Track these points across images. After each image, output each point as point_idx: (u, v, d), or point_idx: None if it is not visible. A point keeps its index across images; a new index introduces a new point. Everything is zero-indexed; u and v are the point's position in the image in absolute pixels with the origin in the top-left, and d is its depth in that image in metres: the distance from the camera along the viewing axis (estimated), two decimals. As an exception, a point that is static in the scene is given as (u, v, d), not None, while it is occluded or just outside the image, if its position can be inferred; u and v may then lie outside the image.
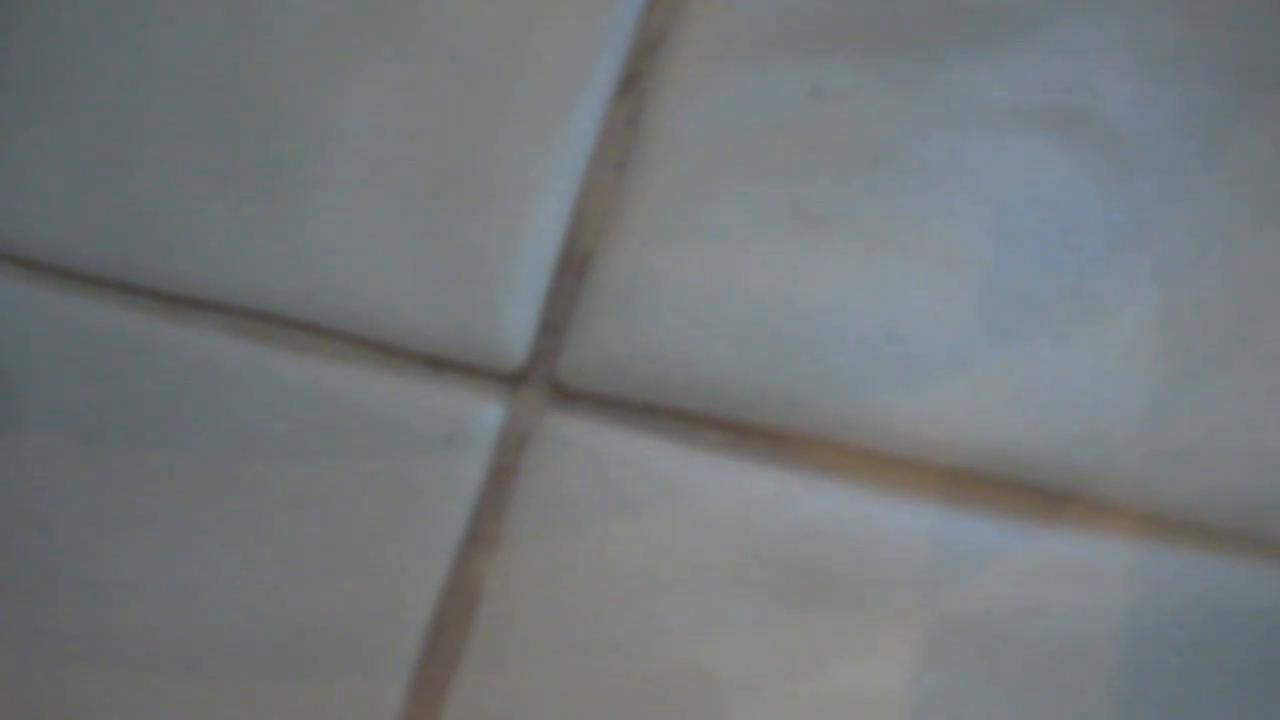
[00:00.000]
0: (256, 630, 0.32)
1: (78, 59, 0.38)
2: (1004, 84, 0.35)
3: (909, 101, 0.35)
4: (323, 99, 0.37)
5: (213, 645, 0.32)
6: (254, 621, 0.32)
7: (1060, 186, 0.34)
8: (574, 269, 0.35)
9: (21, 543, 0.34)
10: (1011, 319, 0.33)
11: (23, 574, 0.33)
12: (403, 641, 0.32)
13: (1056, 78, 0.35)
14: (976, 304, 0.33)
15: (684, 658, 0.31)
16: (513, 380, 0.34)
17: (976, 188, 0.34)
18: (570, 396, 0.34)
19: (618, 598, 0.32)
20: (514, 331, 0.34)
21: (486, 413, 0.34)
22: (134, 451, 0.34)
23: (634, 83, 0.36)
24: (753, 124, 0.35)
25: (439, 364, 0.34)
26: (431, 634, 0.32)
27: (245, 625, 0.32)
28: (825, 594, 0.32)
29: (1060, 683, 0.31)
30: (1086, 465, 0.32)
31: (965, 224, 0.34)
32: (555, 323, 0.34)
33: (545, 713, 0.31)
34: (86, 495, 0.34)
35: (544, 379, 0.34)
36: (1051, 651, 0.31)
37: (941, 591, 0.32)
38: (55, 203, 0.36)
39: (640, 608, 0.32)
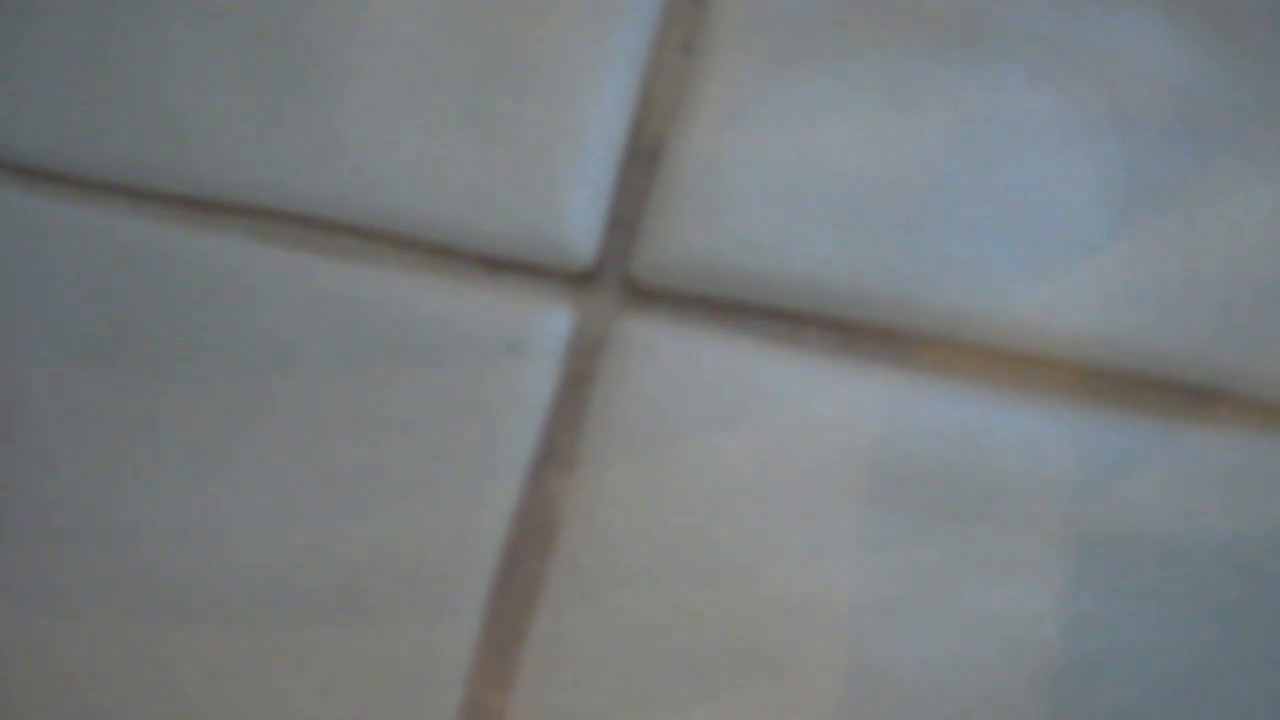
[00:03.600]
0: (301, 571, 0.29)
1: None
2: (1120, -62, 0.33)
3: (1015, -40, 0.33)
4: (350, -16, 0.34)
5: (249, 590, 0.29)
6: (298, 561, 0.29)
7: (1174, 63, 0.32)
8: (643, 158, 0.32)
9: (27, 481, 0.31)
10: (1134, 201, 0.31)
11: (29, 517, 0.31)
12: (473, 576, 0.29)
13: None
14: (1096, 186, 0.31)
15: (800, 582, 0.28)
16: (581, 280, 0.31)
17: (1085, 65, 0.32)
18: (647, 296, 0.31)
19: (717, 518, 0.29)
20: (580, 227, 0.31)
21: (553, 317, 0.31)
22: (153, 375, 0.31)
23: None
24: (835, -4, 0.32)
25: (497, 265, 0.32)
26: (505, 566, 0.30)
27: (287, 566, 0.29)
28: (952, 507, 0.29)
29: (1222, 598, 0.28)
30: (1227, 359, 0.30)
31: (1076, 103, 0.32)
32: (626, 216, 0.31)
33: (641, 651, 0.28)
34: (100, 426, 0.31)
35: (616, 278, 0.31)
36: (1209, 564, 0.29)
37: (1082, 502, 0.29)
38: (51, 100, 0.34)
39: (744, 528, 0.29)
